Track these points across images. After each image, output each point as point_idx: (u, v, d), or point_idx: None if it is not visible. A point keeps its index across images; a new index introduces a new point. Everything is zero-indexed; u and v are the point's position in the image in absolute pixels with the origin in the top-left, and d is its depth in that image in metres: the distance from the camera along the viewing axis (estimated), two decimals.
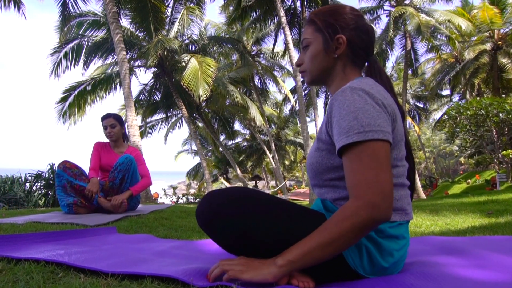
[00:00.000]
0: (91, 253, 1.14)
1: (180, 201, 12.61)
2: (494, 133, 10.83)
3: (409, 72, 18.00)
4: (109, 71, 13.32)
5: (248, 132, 23.53)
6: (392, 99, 0.96)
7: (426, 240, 1.49)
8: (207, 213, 0.90)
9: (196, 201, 12.96)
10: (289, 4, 14.77)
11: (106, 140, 3.29)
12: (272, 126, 23.60)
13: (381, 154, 0.84)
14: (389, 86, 1.04)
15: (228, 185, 19.42)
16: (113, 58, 12.47)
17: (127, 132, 4.02)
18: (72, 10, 9.85)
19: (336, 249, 0.82)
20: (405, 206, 0.97)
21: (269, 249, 0.89)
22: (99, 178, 3.10)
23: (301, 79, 13.90)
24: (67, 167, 2.82)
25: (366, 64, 1.09)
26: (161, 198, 12.71)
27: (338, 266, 0.91)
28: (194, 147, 25.37)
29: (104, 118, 3.21)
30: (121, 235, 1.77)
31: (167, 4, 12.20)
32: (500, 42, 16.34)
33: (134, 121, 7.58)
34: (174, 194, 13.34)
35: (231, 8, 15.65)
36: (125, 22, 11.93)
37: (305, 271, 0.90)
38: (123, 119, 3.50)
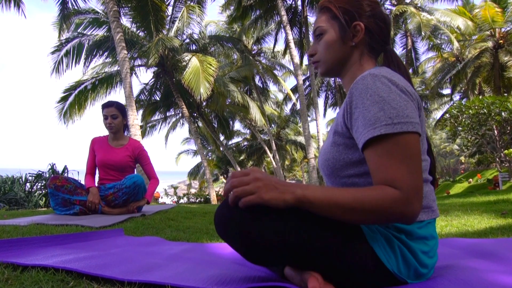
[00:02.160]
0: (101, 258, 1.07)
1: (181, 201, 12.56)
2: (496, 132, 10.79)
3: (410, 71, 17.95)
4: (107, 69, 13.24)
5: (248, 131, 23.46)
6: (413, 89, 0.90)
7: (451, 242, 1.42)
8: (229, 220, 0.81)
9: (197, 201, 12.91)
10: (290, 3, 14.71)
11: (104, 133, 3.08)
12: (273, 125, 23.52)
13: (412, 147, 0.78)
14: (407, 77, 0.98)
15: None
16: (113, 57, 12.39)
17: (129, 123, 3.85)
18: (72, 8, 9.76)
19: (353, 219, 0.78)
20: (431, 203, 0.92)
21: (297, 254, 0.81)
22: (98, 178, 3.01)
23: (303, 78, 13.86)
24: (59, 185, 2.66)
25: (383, 54, 1.03)
26: (162, 198, 12.66)
27: (372, 269, 0.84)
28: (194, 146, 25.34)
29: (105, 106, 2.92)
30: (129, 237, 1.71)
31: (167, 3, 12.12)
32: (501, 41, 16.29)
33: (135, 120, 7.51)
34: (175, 194, 13.28)
35: (232, 7, 15.58)
36: (125, 21, 11.86)
37: (328, 276, 0.83)
38: None
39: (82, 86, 11.91)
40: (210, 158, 24.15)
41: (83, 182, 2.94)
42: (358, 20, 0.96)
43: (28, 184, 6.93)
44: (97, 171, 3.03)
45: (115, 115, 2.90)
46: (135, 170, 3.11)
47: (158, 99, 15.11)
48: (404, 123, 0.78)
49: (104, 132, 3.09)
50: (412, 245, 0.86)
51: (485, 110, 10.01)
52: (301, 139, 23.86)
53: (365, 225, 0.86)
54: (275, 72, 20.02)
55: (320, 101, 21.42)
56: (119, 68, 11.86)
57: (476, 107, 10.14)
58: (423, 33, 14.54)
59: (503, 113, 9.91)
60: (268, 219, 0.79)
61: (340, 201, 0.76)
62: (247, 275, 0.97)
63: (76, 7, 9.84)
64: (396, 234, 0.86)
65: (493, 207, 3.12)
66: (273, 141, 18.06)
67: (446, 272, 0.98)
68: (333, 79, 21.60)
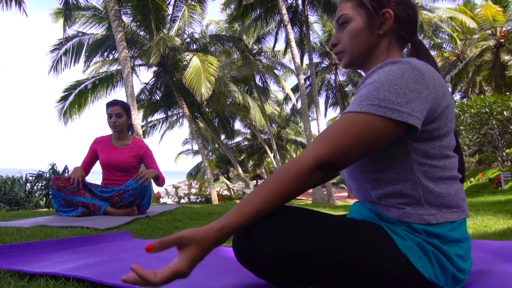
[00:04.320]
0: (113, 264, 1.01)
1: (182, 200, 12.48)
2: (496, 131, 10.74)
3: None
4: (107, 68, 13.18)
5: (249, 131, 23.40)
6: (443, 82, 0.84)
7: (477, 245, 1.36)
8: (252, 248, 0.73)
9: (198, 200, 12.84)
10: (291, 2, 14.66)
11: (105, 133, 3.04)
12: (273, 125, 23.46)
13: (376, 135, 0.74)
14: (436, 69, 0.91)
15: (229, 184, 19.29)
16: (114, 56, 12.33)
17: (133, 123, 3.75)
18: (72, 4, 9.69)
19: (279, 199, 0.73)
20: (461, 203, 0.85)
21: (325, 271, 0.74)
22: (102, 178, 2.94)
23: (304, 77, 13.79)
24: (61, 186, 2.59)
25: (409, 45, 0.97)
26: (163, 198, 12.60)
27: (408, 279, 0.78)
28: (195, 146, 25.28)
29: (109, 105, 2.85)
30: (137, 240, 1.64)
31: (168, 2, 12.06)
32: (502, 40, 16.27)
33: (136, 120, 7.44)
34: (176, 194, 13.23)
35: (232, 6, 15.53)
36: (126, 20, 11.78)
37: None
38: None
39: (82, 86, 11.84)
40: (210, 158, 24.10)
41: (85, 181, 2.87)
42: (386, 7, 0.90)
43: (28, 184, 6.88)
44: (92, 171, 2.97)
45: (120, 113, 2.83)
46: (139, 170, 3.04)
47: (158, 98, 15.04)
48: (390, 108, 0.74)
49: (105, 132, 3.03)
50: (446, 250, 0.80)
51: (487, 109, 9.95)
52: (301, 138, 23.81)
53: (394, 233, 0.80)
54: (276, 71, 19.96)
55: (321, 101, 21.38)
56: (119, 67, 11.81)
57: (478, 106, 10.08)
58: (424, 32, 14.49)
59: (505, 112, 9.85)
60: (288, 235, 0.72)
61: (257, 205, 0.72)
62: (267, 282, 0.91)
63: (76, 3, 9.77)
64: (428, 239, 0.80)
65: (505, 207, 3.07)
66: (273, 141, 17.99)
67: (482, 277, 0.92)
68: (333, 78, 21.56)
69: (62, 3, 9.41)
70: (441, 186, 0.82)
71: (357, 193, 0.94)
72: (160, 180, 2.80)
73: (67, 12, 9.59)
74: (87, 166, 2.88)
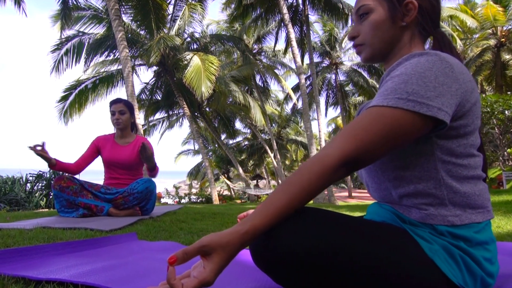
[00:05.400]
0: (122, 269, 0.96)
1: (183, 200, 12.44)
2: (497, 131, 10.72)
3: None
4: (107, 68, 13.14)
5: (249, 131, 23.37)
6: (471, 77, 0.80)
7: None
8: (274, 251, 0.69)
9: (199, 200, 12.80)
10: (291, 1, 14.62)
11: (106, 132, 2.98)
12: (273, 125, 23.42)
13: (401, 128, 0.70)
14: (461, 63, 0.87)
15: (230, 184, 19.25)
16: (114, 56, 12.29)
17: (137, 122, 3.70)
18: (71, 4, 9.64)
19: (305, 193, 0.69)
20: (486, 203, 0.81)
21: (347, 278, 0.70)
22: (105, 177, 2.90)
23: (304, 77, 13.76)
24: (64, 186, 2.56)
25: (432, 38, 0.92)
26: (163, 197, 12.58)
27: (435, 285, 0.73)
28: (194, 146, 25.25)
29: (113, 102, 2.86)
30: (143, 242, 1.60)
31: (168, 1, 12.02)
32: (503, 39, 16.27)
33: (137, 119, 7.40)
34: (177, 194, 13.19)
35: (233, 6, 15.49)
36: (126, 20, 11.74)
37: None
38: None
39: (83, 86, 11.81)
40: (210, 157, 24.05)
41: (87, 180, 2.84)
42: None
43: (28, 185, 6.85)
44: (94, 171, 2.93)
45: (123, 110, 2.83)
46: (143, 168, 3.01)
47: (159, 98, 15.01)
48: (418, 102, 0.70)
49: (105, 132, 3.01)
50: (474, 253, 0.76)
51: (488, 109, 9.93)
52: (302, 138, 23.78)
53: (419, 236, 0.76)
54: (276, 71, 19.93)
55: (321, 100, 21.36)
56: (119, 67, 11.76)
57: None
58: None
59: (506, 112, 9.83)
60: (309, 237, 0.68)
61: (279, 205, 0.67)
62: None
63: (75, 3, 9.71)
64: (454, 242, 0.76)
65: None
66: (274, 141, 17.95)
67: (510, 281, 0.88)
68: (334, 78, 21.53)
69: (60, 2, 9.34)
70: (466, 185, 0.78)
71: (376, 192, 0.90)
72: (155, 171, 2.78)
73: (66, 12, 9.52)
74: (84, 160, 2.81)
